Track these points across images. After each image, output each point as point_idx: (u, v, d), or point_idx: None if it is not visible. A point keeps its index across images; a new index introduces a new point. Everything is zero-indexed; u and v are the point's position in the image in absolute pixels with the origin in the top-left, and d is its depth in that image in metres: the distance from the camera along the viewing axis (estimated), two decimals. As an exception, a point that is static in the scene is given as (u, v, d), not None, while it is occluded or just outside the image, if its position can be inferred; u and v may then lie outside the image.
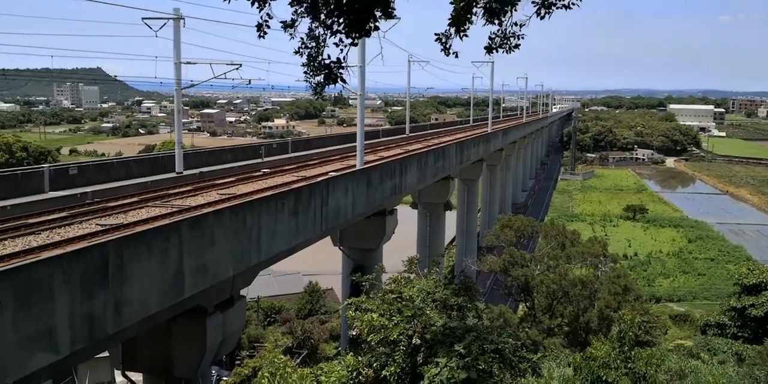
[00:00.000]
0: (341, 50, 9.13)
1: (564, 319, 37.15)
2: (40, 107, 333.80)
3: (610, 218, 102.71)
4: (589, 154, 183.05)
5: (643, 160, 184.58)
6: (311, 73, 9.35)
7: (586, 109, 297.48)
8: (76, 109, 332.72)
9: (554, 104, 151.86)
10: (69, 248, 13.80)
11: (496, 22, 9.17)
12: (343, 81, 9.36)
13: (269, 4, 8.52)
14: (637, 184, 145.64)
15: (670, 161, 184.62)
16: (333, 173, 28.90)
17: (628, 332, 11.69)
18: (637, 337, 12.68)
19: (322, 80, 9.47)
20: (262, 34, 8.85)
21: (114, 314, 13.41)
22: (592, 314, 36.02)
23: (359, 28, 8.85)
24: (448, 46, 9.30)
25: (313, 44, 9.10)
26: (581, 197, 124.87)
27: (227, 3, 8.46)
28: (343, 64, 9.23)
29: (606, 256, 41.96)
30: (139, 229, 15.91)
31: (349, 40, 9.02)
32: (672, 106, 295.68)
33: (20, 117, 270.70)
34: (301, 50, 9.16)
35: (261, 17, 8.57)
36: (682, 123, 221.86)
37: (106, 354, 21.56)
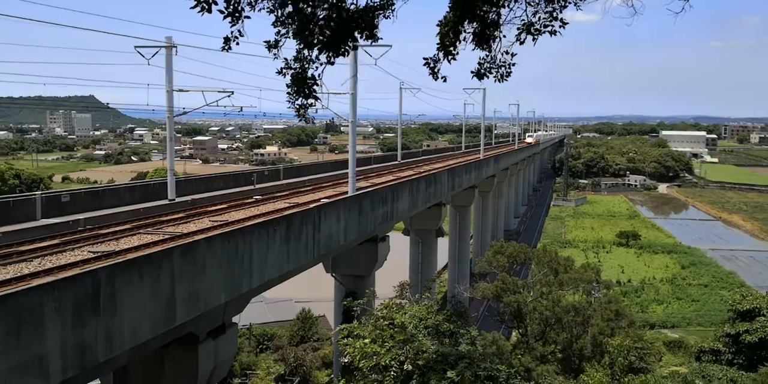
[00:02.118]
0: (316, 68, 9.29)
1: (557, 346, 36.96)
2: (33, 135, 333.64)
3: (603, 244, 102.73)
4: (581, 181, 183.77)
5: (636, 186, 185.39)
6: (294, 95, 9.48)
7: (578, 136, 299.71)
8: (69, 136, 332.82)
9: (530, 132, 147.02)
10: (60, 275, 13.75)
11: (485, 47, 9.35)
12: (316, 98, 9.47)
13: (242, 20, 8.67)
14: (629, 210, 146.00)
15: (662, 187, 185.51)
16: (325, 200, 28.97)
17: (618, 359, 11.72)
18: (631, 363, 12.70)
19: (304, 103, 9.60)
20: (227, 48, 8.94)
21: (105, 342, 13.31)
22: (585, 341, 35.86)
23: (335, 47, 9.01)
24: (436, 70, 9.45)
25: (297, 65, 9.24)
26: (574, 223, 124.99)
27: (201, 16, 8.59)
28: (318, 82, 9.37)
29: (599, 282, 41.91)
30: (130, 256, 15.88)
31: (325, 58, 9.17)
32: (664, 132, 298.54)
33: (13, 144, 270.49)
34: (284, 71, 9.29)
35: (231, 32, 8.72)
36: (674, 149, 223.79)
37: (97, 382, 21.33)
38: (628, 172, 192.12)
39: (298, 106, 9.62)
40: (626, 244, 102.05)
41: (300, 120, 10.09)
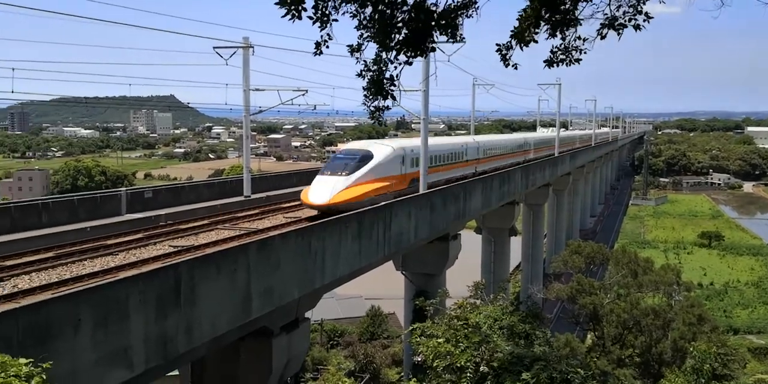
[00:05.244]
0: (395, 68, 9.28)
1: (635, 350, 35.84)
2: (118, 133, 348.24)
3: (684, 245, 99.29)
4: (661, 179, 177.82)
5: (719, 184, 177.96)
6: (371, 97, 9.52)
7: (659, 132, 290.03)
8: (151, 135, 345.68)
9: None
10: (144, 269, 14.27)
11: (560, 35, 9.14)
12: (394, 98, 9.47)
13: (330, 24, 8.80)
14: (712, 209, 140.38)
15: (748, 186, 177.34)
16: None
17: (704, 365, 11.23)
18: (714, 370, 12.17)
19: (380, 105, 9.63)
20: (318, 52, 9.12)
21: (185, 334, 13.74)
22: (665, 345, 34.64)
23: (416, 47, 8.98)
24: (507, 57, 9.29)
25: (376, 68, 9.29)
26: (653, 223, 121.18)
27: (292, 23, 8.77)
28: (396, 82, 9.36)
29: (680, 284, 40.44)
30: (209, 251, 16.33)
31: (404, 58, 9.16)
32: (750, 128, 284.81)
33: (99, 143, 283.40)
34: (363, 73, 9.36)
35: (321, 36, 8.86)
36: (761, 146, 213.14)
37: (176, 372, 22.08)
38: (711, 170, 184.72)
39: (373, 109, 9.67)
40: (708, 245, 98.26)
41: (374, 122, 10.15)
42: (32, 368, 7.45)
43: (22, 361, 7.52)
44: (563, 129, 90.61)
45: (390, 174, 27.68)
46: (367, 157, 26.97)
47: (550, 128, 75.76)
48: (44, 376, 7.42)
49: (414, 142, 32.38)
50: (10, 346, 8.92)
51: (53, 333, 10.75)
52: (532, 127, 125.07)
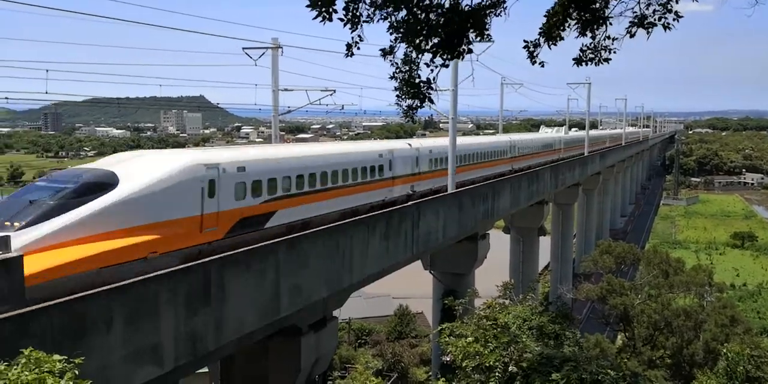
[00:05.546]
0: (432, 71, 9.28)
1: (666, 351, 35.34)
2: (148, 133, 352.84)
3: (716, 246, 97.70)
4: (693, 178, 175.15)
5: (752, 184, 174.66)
6: (403, 96, 9.55)
7: (690, 132, 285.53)
8: (181, 134, 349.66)
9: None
10: (174, 267, 14.42)
11: (589, 34, 9.08)
12: (431, 101, 9.48)
13: (361, 26, 8.84)
14: (745, 209, 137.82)
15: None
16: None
17: (737, 367, 11.02)
18: (748, 372, 11.94)
19: (412, 104, 9.65)
20: (350, 54, 9.18)
21: (215, 331, 13.87)
22: (697, 347, 34.11)
23: (452, 49, 8.97)
24: (535, 54, 9.26)
25: (407, 68, 9.32)
26: (685, 223, 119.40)
27: (323, 25, 8.83)
28: (433, 85, 9.37)
29: (712, 285, 39.79)
30: (238, 249, 16.44)
31: (441, 61, 9.16)
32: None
33: (130, 142, 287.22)
34: (395, 75, 9.40)
35: (352, 38, 8.91)
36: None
37: (205, 369, 22.31)
38: (744, 170, 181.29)
39: (406, 108, 9.71)
40: (741, 246, 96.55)
41: (407, 120, 10.17)
42: (65, 365, 7.57)
43: (56, 357, 7.63)
44: (592, 128, 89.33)
45: (160, 217, 15.44)
46: (96, 186, 14.87)
47: (555, 128, 74.35)
48: (77, 372, 7.53)
49: (246, 152, 20.46)
50: (44, 343, 9.08)
51: (86, 330, 10.92)
52: (561, 127, 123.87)
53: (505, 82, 53.82)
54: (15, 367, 7.36)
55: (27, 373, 7.19)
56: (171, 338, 12.68)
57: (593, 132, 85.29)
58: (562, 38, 9.09)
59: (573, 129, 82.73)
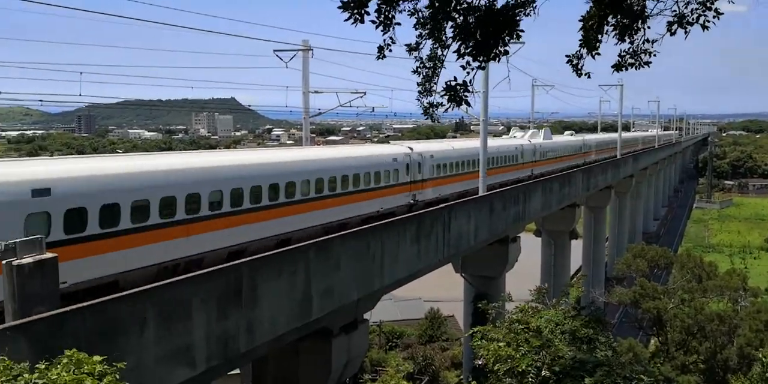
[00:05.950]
0: (468, 73, 9.19)
1: (700, 356, 34.77)
2: (180, 135, 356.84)
3: (750, 250, 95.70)
4: (726, 182, 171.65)
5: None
6: (424, 93, 9.49)
7: (724, 134, 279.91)
8: (212, 137, 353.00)
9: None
10: (207, 269, 14.55)
11: (628, 39, 8.95)
12: (468, 104, 9.40)
13: (393, 28, 8.81)
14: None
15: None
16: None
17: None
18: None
19: (433, 101, 9.57)
20: (381, 56, 9.14)
21: (246, 333, 13.96)
22: (731, 352, 33.52)
23: (488, 51, 8.91)
24: (580, 66, 9.16)
25: (431, 64, 9.26)
26: (718, 227, 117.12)
27: (354, 27, 8.83)
28: (469, 88, 9.30)
29: (746, 289, 39.03)
30: (270, 252, 16.54)
31: (477, 64, 9.09)
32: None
33: (162, 144, 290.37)
34: (419, 69, 9.34)
35: (384, 40, 8.89)
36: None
37: (237, 371, 22.48)
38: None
39: (427, 105, 9.65)
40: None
41: (427, 118, 10.12)
42: (106, 367, 7.60)
43: (96, 358, 7.66)
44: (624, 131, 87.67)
45: None
46: None
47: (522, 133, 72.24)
48: (117, 376, 7.55)
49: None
50: (78, 344, 9.20)
51: (120, 331, 11.06)
52: (593, 129, 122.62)
53: (536, 84, 53.44)
54: (56, 367, 7.43)
55: (65, 373, 7.25)
56: (203, 340, 12.79)
57: (626, 134, 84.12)
58: (599, 47, 8.99)
59: (601, 133, 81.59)
